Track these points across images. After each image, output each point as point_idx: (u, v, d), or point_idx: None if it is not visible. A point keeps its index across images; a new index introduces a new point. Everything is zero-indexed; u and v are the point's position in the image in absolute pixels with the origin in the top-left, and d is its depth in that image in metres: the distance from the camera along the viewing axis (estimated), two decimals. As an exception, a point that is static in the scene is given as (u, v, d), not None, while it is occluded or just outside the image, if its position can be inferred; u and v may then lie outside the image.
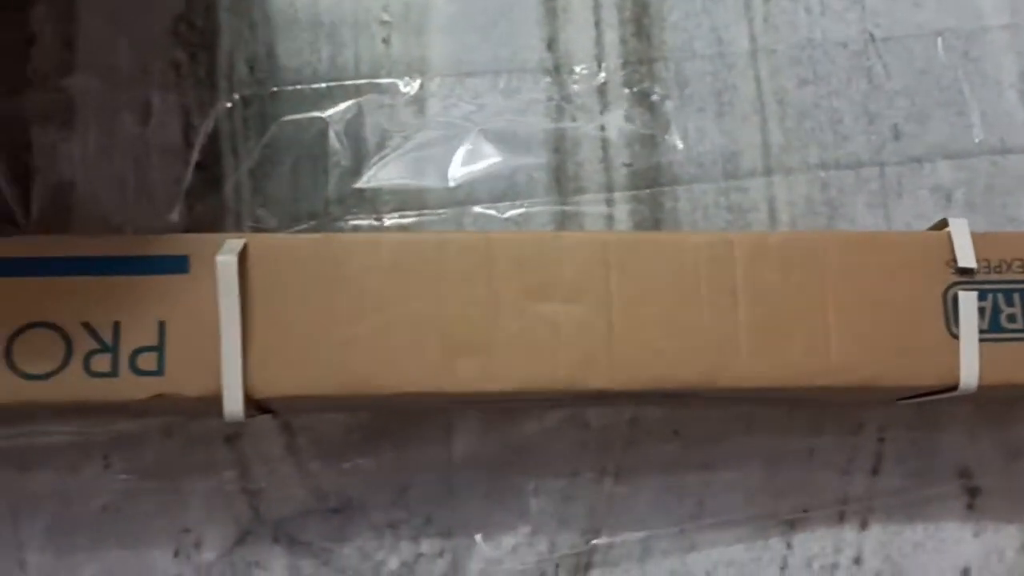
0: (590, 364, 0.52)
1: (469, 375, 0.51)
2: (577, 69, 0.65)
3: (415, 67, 0.64)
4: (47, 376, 0.49)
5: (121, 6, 0.63)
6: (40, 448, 0.58)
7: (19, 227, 0.59)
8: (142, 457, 0.58)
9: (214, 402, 0.50)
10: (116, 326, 0.50)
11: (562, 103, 0.65)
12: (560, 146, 0.64)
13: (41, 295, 0.49)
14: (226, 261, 0.49)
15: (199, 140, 0.61)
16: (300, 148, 0.62)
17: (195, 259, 0.51)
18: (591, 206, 0.64)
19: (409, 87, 0.64)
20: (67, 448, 0.58)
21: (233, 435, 0.59)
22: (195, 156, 0.61)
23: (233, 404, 0.49)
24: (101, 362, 0.49)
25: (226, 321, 0.49)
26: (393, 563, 0.59)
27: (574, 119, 0.65)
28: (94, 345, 0.50)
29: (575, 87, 0.65)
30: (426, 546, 0.59)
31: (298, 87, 0.63)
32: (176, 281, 0.51)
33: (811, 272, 0.54)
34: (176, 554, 0.58)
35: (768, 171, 0.66)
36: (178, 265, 0.51)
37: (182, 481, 0.58)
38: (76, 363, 0.49)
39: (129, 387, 0.49)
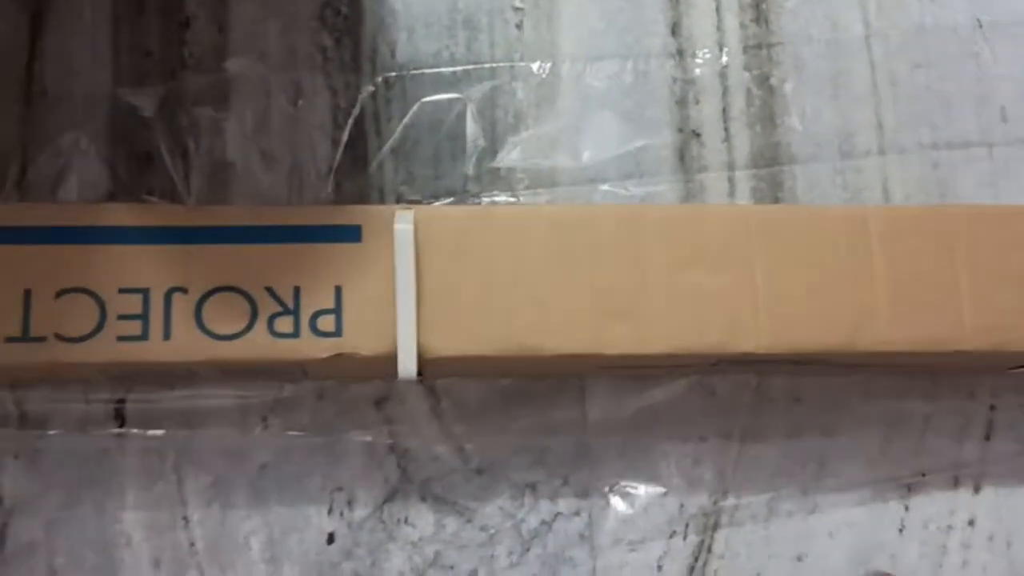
0: (737, 328, 0.55)
1: (622, 339, 0.54)
2: (699, 53, 0.68)
3: (546, 51, 0.67)
4: (235, 336, 0.53)
5: (270, -7, 0.67)
6: (204, 410, 0.61)
7: (182, 202, 0.63)
8: (298, 419, 0.61)
9: (388, 362, 0.54)
10: (296, 290, 0.53)
11: (686, 85, 0.68)
12: (684, 126, 0.67)
13: (228, 261, 0.53)
14: (403, 230, 0.52)
15: (347, 121, 0.65)
16: (439, 128, 0.66)
17: (367, 229, 0.54)
18: (714, 184, 0.67)
19: (541, 70, 0.67)
20: (229, 410, 0.61)
21: (381, 399, 0.62)
22: (343, 136, 0.65)
23: (407, 363, 0.53)
24: (284, 323, 0.53)
25: (402, 285, 0.52)
26: (532, 521, 0.62)
27: (697, 101, 0.68)
28: (277, 308, 0.53)
29: (698, 71, 0.68)
30: (563, 505, 0.62)
31: (437, 70, 0.67)
32: (350, 249, 0.54)
33: (942, 243, 0.57)
34: (330, 511, 0.61)
35: (882, 151, 0.68)
36: (352, 234, 0.54)
37: (335, 442, 0.62)
38: (261, 324, 0.53)
39: (310, 347, 0.53)
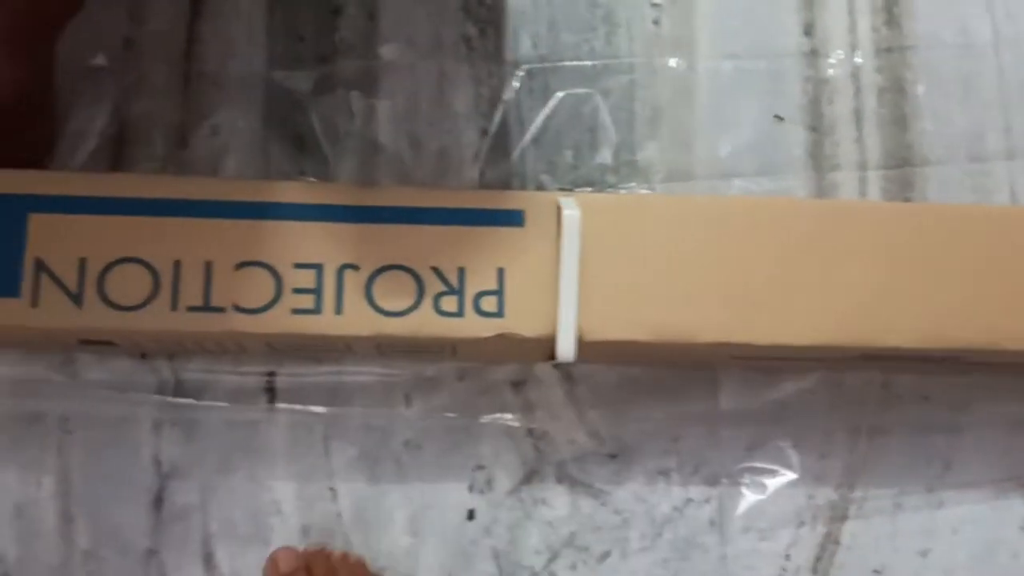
0: (883, 323, 0.56)
1: (774, 330, 0.56)
2: (833, 54, 0.69)
3: (683, 48, 0.69)
4: (402, 313, 0.54)
5: (421, -18, 0.69)
6: (350, 386, 0.63)
7: (334, 179, 0.64)
8: (440, 398, 0.63)
9: (547, 343, 0.55)
10: (461, 271, 0.55)
11: (819, 85, 0.69)
12: (818, 125, 0.68)
13: (397, 240, 0.54)
14: (571, 215, 0.54)
15: (490, 109, 0.66)
16: (579, 120, 0.67)
17: (530, 214, 0.56)
18: (845, 183, 0.68)
19: (678, 66, 0.69)
20: (374, 386, 0.63)
21: (520, 382, 0.64)
22: (486, 124, 0.66)
23: (566, 345, 0.54)
24: (449, 303, 0.54)
25: (566, 269, 0.54)
26: (664, 507, 0.63)
27: (831, 101, 0.69)
28: (442, 287, 0.54)
29: (831, 71, 0.69)
30: (694, 492, 0.64)
31: (577, 63, 0.68)
32: (513, 233, 0.55)
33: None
34: (471, 488, 0.63)
35: (1010, 155, 0.69)
36: (515, 218, 0.56)
37: (475, 422, 0.63)
38: (427, 303, 0.54)
39: (473, 326, 0.54)
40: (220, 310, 0.53)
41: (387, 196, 0.55)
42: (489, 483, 0.63)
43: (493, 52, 0.68)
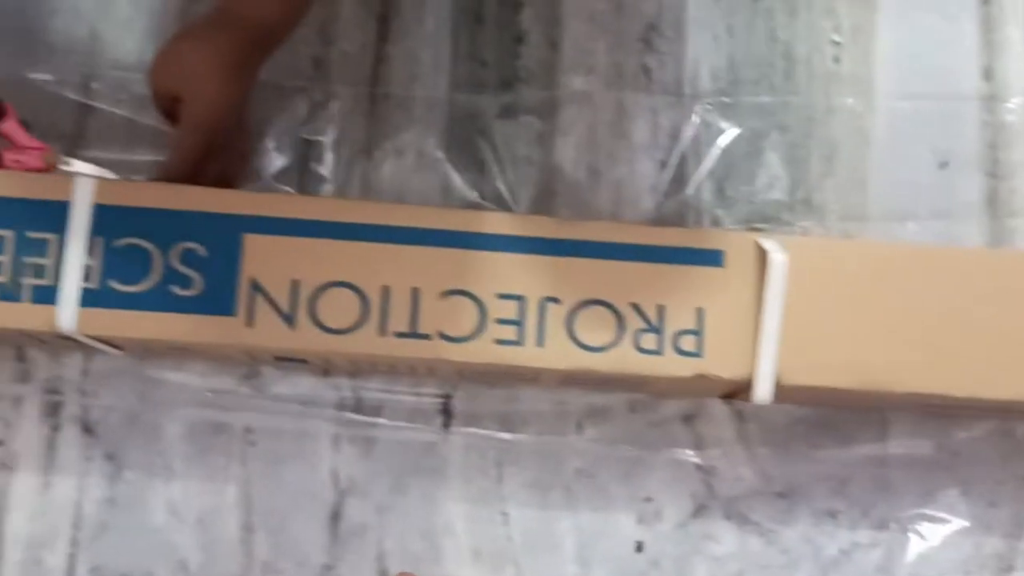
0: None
1: (976, 383, 0.55)
2: (1012, 100, 0.69)
3: (861, 87, 0.68)
4: (603, 349, 0.54)
5: (600, 13, 0.68)
6: (524, 412, 0.63)
7: (510, 209, 0.65)
8: (611, 428, 0.63)
9: (743, 385, 0.55)
10: (661, 309, 0.55)
11: (997, 130, 0.69)
12: (995, 171, 0.68)
13: (597, 275, 0.54)
14: (779, 260, 0.54)
15: (668, 141, 0.66)
16: (755, 156, 0.67)
17: (730, 254, 0.56)
18: (1021, 229, 0.68)
19: (855, 105, 0.68)
20: (547, 414, 0.63)
21: (690, 416, 0.64)
22: (664, 156, 0.67)
23: (764, 388, 0.54)
24: (648, 340, 0.54)
25: (769, 313, 0.54)
26: (831, 549, 0.63)
27: (1008, 146, 0.68)
28: (642, 324, 0.55)
29: (1009, 117, 0.69)
30: (862, 536, 0.63)
31: (755, 99, 0.68)
32: (713, 272, 0.55)
33: None
34: (639, 520, 0.63)
35: None
36: (715, 258, 0.56)
37: (645, 454, 0.64)
38: (628, 339, 0.54)
39: (673, 365, 0.55)
40: (426, 337, 0.54)
41: (589, 231, 0.56)
42: (658, 515, 0.64)
43: (672, 84, 0.68)
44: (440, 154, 0.66)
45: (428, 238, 0.55)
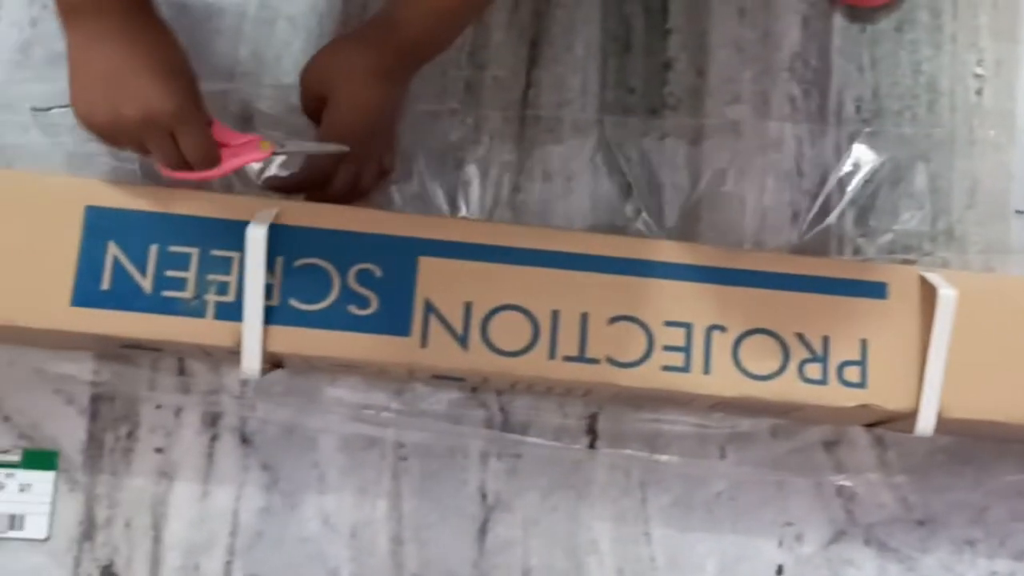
0: None
1: None
2: None
3: (1004, 120, 0.69)
4: (768, 377, 0.55)
5: (747, 42, 0.69)
6: (667, 434, 0.64)
7: (653, 234, 0.66)
8: (753, 452, 0.64)
9: (907, 416, 0.56)
10: (825, 340, 0.56)
11: None
12: None
13: (762, 305, 0.55)
14: (948, 295, 0.54)
15: (812, 170, 0.67)
16: (897, 185, 0.67)
17: (893, 287, 0.57)
18: None
19: (997, 138, 0.69)
20: (690, 437, 0.64)
21: (832, 443, 0.64)
22: (808, 185, 0.67)
23: (927, 420, 0.55)
24: (813, 370, 0.55)
25: (936, 347, 0.54)
26: (970, 578, 0.65)
27: None
28: (807, 354, 0.56)
29: None
30: (1001, 566, 0.64)
31: (898, 130, 0.68)
32: (876, 305, 0.56)
33: None
34: (780, 544, 0.64)
35: None
36: (878, 290, 0.57)
37: (786, 478, 0.64)
38: (792, 368, 0.55)
39: (837, 395, 0.55)
40: (595, 361, 0.55)
41: (754, 260, 0.57)
42: (798, 539, 0.64)
43: (816, 114, 0.69)
44: (587, 178, 0.67)
45: (597, 265, 0.56)
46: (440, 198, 0.66)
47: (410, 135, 0.66)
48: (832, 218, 0.67)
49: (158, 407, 0.62)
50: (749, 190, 0.68)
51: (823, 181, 0.68)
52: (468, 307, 0.55)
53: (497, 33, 0.69)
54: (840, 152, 0.68)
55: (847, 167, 0.68)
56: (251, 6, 0.68)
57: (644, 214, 0.66)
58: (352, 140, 0.59)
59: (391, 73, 0.59)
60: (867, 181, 0.68)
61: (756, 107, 0.68)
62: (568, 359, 0.55)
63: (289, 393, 0.63)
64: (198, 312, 0.54)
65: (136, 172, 0.64)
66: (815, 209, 0.67)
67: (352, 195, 0.62)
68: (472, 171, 0.66)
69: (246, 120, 0.66)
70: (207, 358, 0.62)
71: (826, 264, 0.57)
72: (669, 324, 0.56)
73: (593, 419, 0.65)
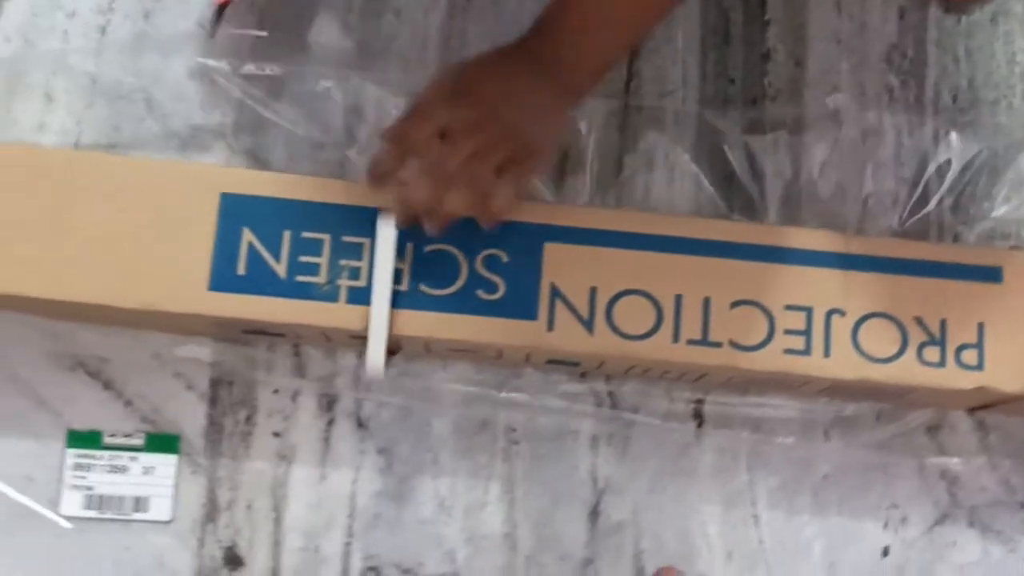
0: None
1: None
2: None
3: (1098, 110, 0.70)
4: (887, 360, 0.56)
5: (844, 33, 0.70)
6: (772, 418, 0.65)
7: (758, 219, 0.67)
8: (857, 436, 0.65)
9: (1014, 398, 0.57)
10: (943, 323, 0.57)
11: None
12: None
13: (881, 289, 0.56)
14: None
15: (910, 159, 0.67)
16: (995, 173, 0.68)
17: (1008, 271, 0.58)
18: None
19: (1093, 126, 0.70)
20: (795, 421, 0.65)
21: (935, 426, 0.65)
22: (907, 173, 0.68)
23: (1043, 404, 0.56)
24: (931, 353, 0.56)
25: (1053, 329, 0.56)
26: (1072, 559, 0.65)
27: None
28: (925, 337, 0.57)
29: None
30: (1103, 549, 0.65)
31: (995, 119, 0.69)
32: (992, 289, 0.57)
33: None
34: (885, 526, 0.65)
35: None
36: (994, 275, 0.58)
37: (890, 461, 0.65)
38: (911, 352, 0.57)
39: (955, 378, 0.56)
40: (718, 345, 0.56)
41: (871, 246, 0.58)
42: (903, 522, 0.65)
43: (914, 104, 0.70)
44: (690, 166, 0.68)
45: (718, 250, 0.57)
46: (544, 188, 0.68)
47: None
48: (931, 206, 0.68)
49: (275, 392, 0.64)
50: (850, 179, 0.68)
51: (922, 169, 0.69)
52: (593, 292, 0.56)
53: (599, 25, 0.71)
54: (938, 141, 0.69)
55: (944, 156, 0.69)
56: None
57: (748, 201, 0.67)
58: (466, 123, 0.52)
59: (525, 71, 0.54)
60: (964, 169, 0.69)
61: (855, 97, 0.69)
62: (692, 343, 0.56)
63: (403, 378, 0.65)
64: (331, 297, 0.56)
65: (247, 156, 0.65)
66: (915, 197, 0.68)
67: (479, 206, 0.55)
68: (576, 161, 0.67)
69: (356, 111, 0.68)
70: (325, 344, 0.63)
71: (942, 250, 0.58)
72: (789, 308, 0.57)
73: (700, 404, 0.66)
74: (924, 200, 0.69)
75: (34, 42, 0.67)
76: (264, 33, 0.67)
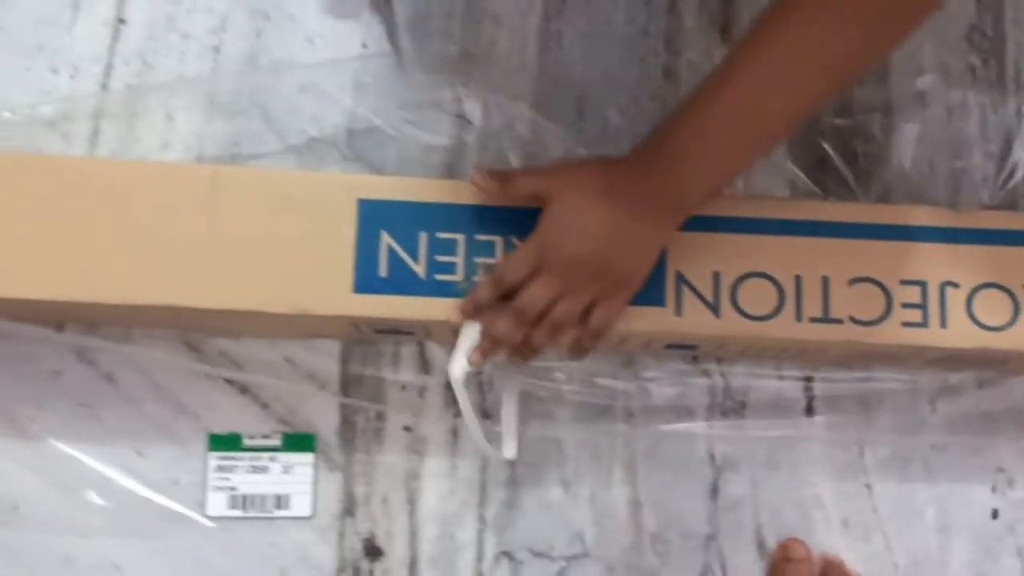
0: None
1: None
2: None
3: None
4: (1002, 328, 0.58)
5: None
6: (879, 391, 0.68)
7: (854, 200, 0.69)
8: (961, 404, 0.68)
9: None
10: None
11: None
12: None
13: (990, 261, 0.59)
14: None
15: (997, 135, 0.70)
16: (1077, 146, 0.72)
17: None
18: None
19: None
20: (901, 393, 0.67)
21: (1033, 391, 0.69)
22: (993, 149, 0.70)
23: None
24: (1045, 322, 0.59)
25: None
26: None
27: None
28: (1039, 308, 0.60)
29: None
30: None
31: (1077, 95, 0.73)
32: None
33: None
34: (993, 490, 0.67)
35: None
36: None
37: (994, 427, 0.67)
38: (1022, 319, 0.59)
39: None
40: (838, 322, 0.59)
41: (980, 219, 0.60)
42: (1010, 484, 0.68)
43: (996, 82, 0.72)
44: (782, 152, 0.71)
45: (831, 230, 0.60)
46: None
47: (617, 120, 0.68)
48: (1018, 178, 0.71)
49: (403, 388, 0.67)
50: (939, 157, 0.71)
51: (1008, 145, 0.71)
52: (716, 276, 0.59)
53: (688, 19, 0.72)
54: (1020, 116, 0.72)
55: (1026, 133, 0.72)
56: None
57: (842, 184, 0.70)
58: (560, 266, 0.54)
59: (627, 198, 0.54)
60: (1046, 146, 0.72)
61: (940, 77, 0.72)
62: (814, 320, 0.59)
63: (524, 368, 0.68)
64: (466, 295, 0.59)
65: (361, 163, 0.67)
66: (1004, 173, 0.71)
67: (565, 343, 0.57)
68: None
69: (461, 115, 0.70)
70: (453, 340, 0.65)
71: (1038, 220, 0.62)
72: (905, 283, 0.59)
73: (809, 380, 0.68)
74: (1011, 175, 0.72)
75: (152, 64, 0.70)
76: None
